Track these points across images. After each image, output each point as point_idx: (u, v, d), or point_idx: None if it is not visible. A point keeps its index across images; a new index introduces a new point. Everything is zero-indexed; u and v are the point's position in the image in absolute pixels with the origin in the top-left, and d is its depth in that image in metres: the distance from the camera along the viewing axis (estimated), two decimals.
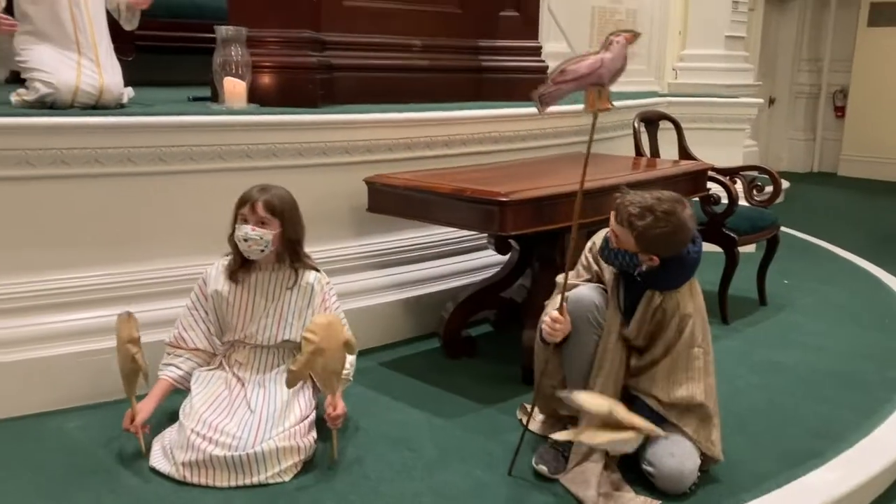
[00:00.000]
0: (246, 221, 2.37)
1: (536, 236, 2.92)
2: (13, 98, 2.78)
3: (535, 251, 3.16)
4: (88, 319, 2.69)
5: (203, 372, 2.46)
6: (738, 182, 3.96)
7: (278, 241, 2.40)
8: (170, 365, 2.47)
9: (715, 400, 2.27)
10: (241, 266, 2.45)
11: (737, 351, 3.35)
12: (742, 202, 3.90)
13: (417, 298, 3.38)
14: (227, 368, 2.48)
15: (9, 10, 2.84)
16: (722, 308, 3.68)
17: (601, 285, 2.34)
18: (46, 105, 2.71)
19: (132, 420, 2.28)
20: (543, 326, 2.28)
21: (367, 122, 3.19)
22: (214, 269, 2.50)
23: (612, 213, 2.17)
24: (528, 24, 4.07)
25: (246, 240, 2.36)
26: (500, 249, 3.23)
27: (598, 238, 2.34)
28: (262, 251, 2.38)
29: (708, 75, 8.29)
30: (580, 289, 2.32)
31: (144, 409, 2.33)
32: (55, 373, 2.61)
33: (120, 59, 3.04)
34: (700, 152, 4.33)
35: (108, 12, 3.02)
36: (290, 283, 2.45)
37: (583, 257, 2.42)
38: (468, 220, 2.81)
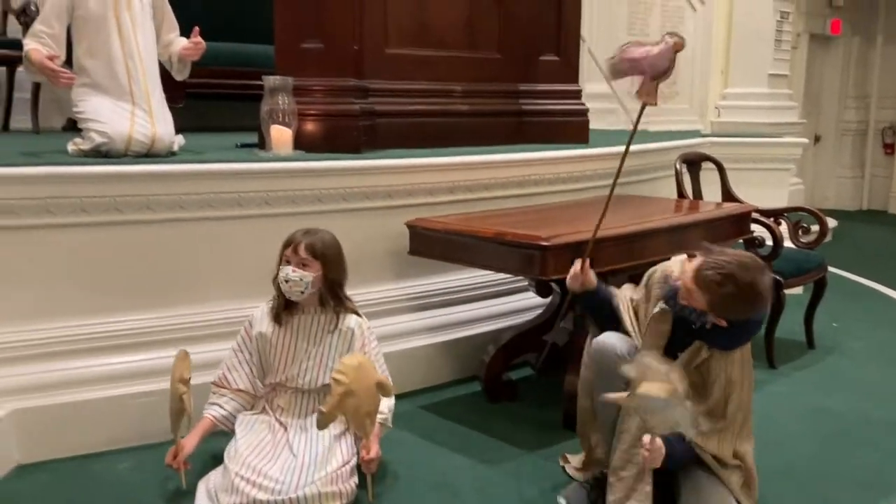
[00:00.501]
0: (288, 262, 2.42)
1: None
2: (70, 147, 2.90)
3: (576, 294, 3.14)
4: (139, 362, 2.76)
5: (247, 416, 2.50)
6: (783, 223, 3.91)
7: (319, 283, 2.44)
8: (214, 404, 2.51)
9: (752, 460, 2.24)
10: (284, 308, 2.49)
11: (783, 396, 3.28)
12: (788, 244, 3.85)
13: (458, 341, 3.39)
14: (270, 412, 2.51)
15: (68, 61, 2.98)
16: (768, 351, 3.61)
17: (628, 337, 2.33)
18: (101, 154, 2.82)
19: (175, 456, 2.34)
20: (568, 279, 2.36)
21: (408, 167, 3.24)
22: (260, 312, 2.55)
23: (693, 271, 2.09)
24: (568, 68, 4.12)
25: (287, 280, 2.40)
26: (541, 292, 3.23)
27: (662, 268, 2.32)
28: (303, 293, 2.42)
29: (751, 113, 8.29)
30: (606, 336, 2.33)
31: (187, 445, 2.37)
32: (106, 414, 2.67)
33: (171, 107, 3.15)
34: (744, 193, 4.29)
35: (160, 63, 3.15)
36: (332, 327, 2.49)
37: (644, 279, 2.40)
38: (509, 264, 2.83)
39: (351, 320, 2.51)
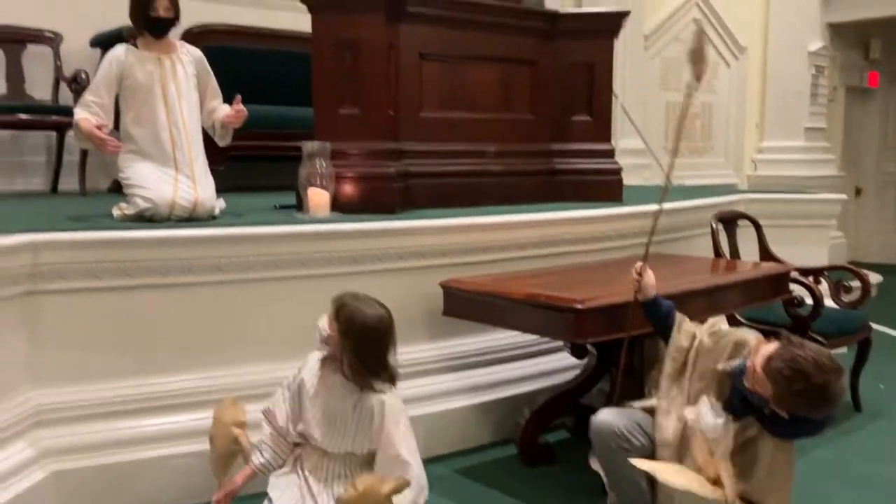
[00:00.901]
0: None
1: (612, 340, 2.90)
2: (115, 212, 3.00)
3: (612, 356, 3.12)
4: (180, 423, 2.80)
5: (280, 478, 2.49)
6: (824, 282, 3.85)
7: (338, 351, 2.37)
8: (255, 449, 2.53)
9: None
10: (326, 361, 2.46)
11: (831, 462, 3.19)
12: (829, 302, 3.78)
13: (494, 402, 3.37)
14: (299, 474, 2.50)
15: (115, 127, 3.10)
16: None
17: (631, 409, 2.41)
18: (145, 218, 2.91)
19: (225, 495, 2.40)
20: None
21: (441, 228, 3.28)
22: (313, 357, 2.51)
23: (764, 358, 2.05)
24: (600, 128, 4.16)
25: (319, 329, 2.41)
26: (577, 353, 3.21)
27: (735, 333, 2.33)
28: (323, 347, 2.43)
29: (788, 167, 8.26)
30: (603, 414, 2.41)
31: (232, 484, 2.44)
32: (146, 474, 2.70)
33: (212, 169, 3.25)
34: (782, 250, 4.24)
35: (204, 129, 3.25)
36: (354, 400, 2.38)
37: (708, 326, 2.42)
38: (543, 326, 2.83)
39: (372, 400, 2.36)
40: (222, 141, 3.33)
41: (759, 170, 8.58)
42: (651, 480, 2.30)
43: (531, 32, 4.00)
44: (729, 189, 6.88)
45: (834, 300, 3.89)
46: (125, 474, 2.67)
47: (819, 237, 5.15)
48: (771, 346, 2.07)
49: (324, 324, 2.38)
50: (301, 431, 2.51)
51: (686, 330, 2.43)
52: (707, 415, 2.17)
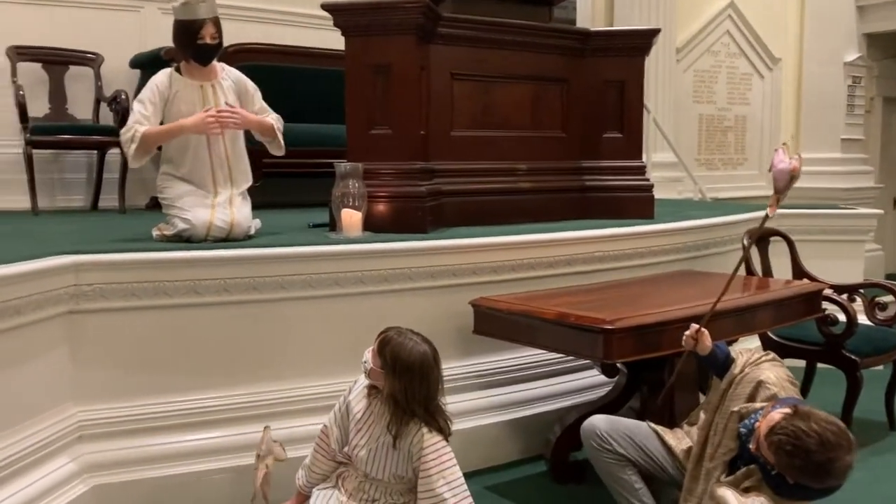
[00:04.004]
0: None
1: (642, 359, 2.91)
2: (154, 232, 3.08)
3: (642, 375, 3.13)
4: (215, 439, 2.86)
5: (322, 490, 2.55)
6: (858, 300, 3.81)
7: (381, 384, 2.39)
8: (303, 467, 2.60)
9: None
10: (374, 390, 2.47)
11: (863, 482, 3.14)
12: (864, 320, 3.74)
13: (524, 419, 3.40)
14: (341, 490, 2.54)
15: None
16: None
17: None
18: (183, 239, 2.98)
19: None
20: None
21: (472, 247, 3.31)
22: (361, 381, 2.53)
23: (768, 427, 2.05)
24: (632, 145, 4.16)
25: (364, 361, 2.45)
26: (607, 372, 3.23)
27: (761, 375, 2.38)
28: (364, 377, 2.47)
29: (825, 179, 8.15)
30: (591, 419, 2.70)
31: None
32: (186, 490, 2.77)
33: (249, 186, 3.31)
34: (817, 265, 4.21)
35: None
36: (395, 432, 2.37)
37: (747, 358, 2.48)
38: (573, 346, 2.84)
39: (412, 436, 2.35)
40: (278, 151, 3.32)
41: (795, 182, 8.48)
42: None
43: (562, 51, 4.02)
44: (763, 202, 6.81)
45: (868, 317, 3.84)
46: (164, 489, 2.74)
47: (855, 252, 5.08)
48: (777, 415, 2.06)
49: (368, 356, 2.41)
50: (346, 454, 2.56)
51: (736, 364, 2.50)
52: None
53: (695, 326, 2.48)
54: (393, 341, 2.35)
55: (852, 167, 8.24)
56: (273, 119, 3.26)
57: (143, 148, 2.99)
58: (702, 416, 2.56)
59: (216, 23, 3.08)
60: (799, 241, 4.35)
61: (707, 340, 2.48)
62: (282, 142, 3.29)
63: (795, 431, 1.97)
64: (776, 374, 2.39)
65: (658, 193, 6.57)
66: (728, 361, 2.51)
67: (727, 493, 2.17)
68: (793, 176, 2.31)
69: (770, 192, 2.44)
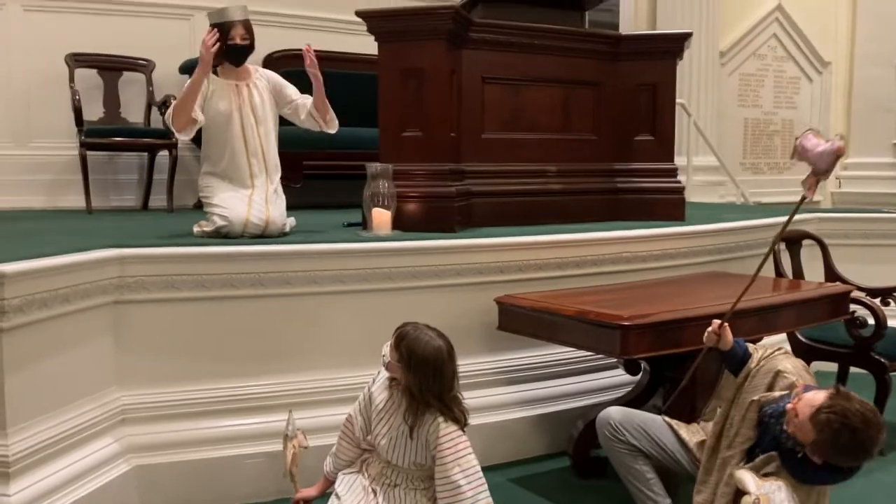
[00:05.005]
0: None
1: (665, 357, 2.95)
2: (195, 229, 3.24)
3: (665, 373, 3.17)
4: (250, 425, 3.01)
5: (347, 475, 2.66)
6: (892, 303, 3.78)
7: (401, 379, 2.48)
8: (331, 455, 2.72)
9: None
10: (394, 382, 2.56)
11: (894, 486, 3.13)
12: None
13: (549, 415, 3.46)
14: (364, 475, 2.65)
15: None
16: None
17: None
18: (221, 235, 3.14)
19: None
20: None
21: (498, 246, 3.40)
22: (384, 373, 2.61)
23: (813, 408, 2.12)
24: (663, 147, 4.19)
25: (383, 354, 2.56)
26: (630, 370, 3.27)
27: (779, 366, 2.42)
28: (383, 369, 2.58)
29: (875, 184, 8.01)
30: (607, 410, 2.79)
31: (307, 492, 2.66)
32: (221, 473, 2.92)
33: (290, 187, 3.47)
34: (855, 269, 4.18)
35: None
36: (412, 422, 2.46)
37: (762, 353, 2.51)
38: (591, 342, 2.90)
39: (428, 425, 2.43)
40: (331, 126, 3.43)
41: (844, 186, 8.34)
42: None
43: (594, 55, 4.08)
44: (811, 207, 6.73)
45: None
46: (200, 471, 2.90)
47: (893, 256, 5.00)
48: (819, 396, 2.12)
49: (386, 350, 2.52)
50: (368, 440, 2.66)
51: (752, 358, 2.54)
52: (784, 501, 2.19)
53: (717, 322, 2.52)
54: (409, 336, 2.43)
55: None
56: (309, 99, 3.37)
57: (179, 112, 3.11)
58: (717, 410, 2.60)
59: (246, 25, 3.27)
60: (839, 244, 4.32)
61: (729, 336, 2.52)
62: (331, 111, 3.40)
63: (843, 410, 2.05)
64: (792, 363, 2.44)
65: (699, 197, 6.60)
66: (746, 356, 2.55)
67: (746, 475, 2.23)
68: (838, 156, 2.29)
69: (819, 196, 2.44)
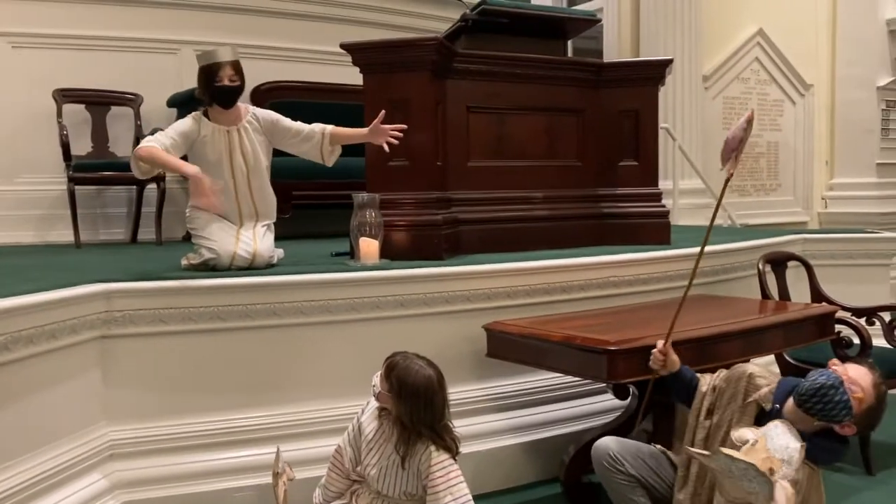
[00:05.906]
0: None
1: (657, 382, 2.96)
2: (183, 262, 3.25)
3: (653, 397, 3.17)
4: (237, 458, 2.99)
5: None
6: (877, 322, 3.80)
7: (391, 409, 2.49)
8: (320, 486, 2.70)
9: None
10: (384, 412, 2.58)
11: None
12: (882, 343, 3.74)
13: (539, 442, 3.45)
14: None
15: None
16: (865, 456, 3.47)
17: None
18: (209, 267, 3.14)
19: None
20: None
21: (486, 273, 3.42)
22: (373, 403, 2.62)
23: (873, 386, 2.29)
24: (647, 172, 4.24)
25: (373, 384, 2.56)
26: (619, 394, 3.28)
27: (753, 372, 2.50)
28: (373, 399, 2.58)
29: (860, 203, 8.10)
30: (602, 440, 2.71)
31: None
32: None
33: (279, 217, 3.48)
34: (842, 289, 4.22)
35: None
36: (404, 452, 2.47)
37: (727, 374, 2.57)
38: (578, 367, 2.91)
39: (420, 454, 2.45)
40: (332, 161, 3.41)
41: (830, 207, 8.43)
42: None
43: (577, 83, 4.14)
44: (798, 228, 6.79)
45: (887, 340, 3.82)
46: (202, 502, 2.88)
47: (880, 276, 5.06)
48: (863, 370, 2.31)
49: (376, 380, 2.53)
50: (358, 472, 2.65)
51: (702, 383, 2.62)
52: (780, 436, 2.26)
53: (661, 342, 2.59)
54: (399, 366, 2.45)
55: (888, 192, 8.16)
56: (319, 127, 3.37)
57: (148, 163, 3.07)
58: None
59: (235, 66, 3.21)
60: (824, 265, 4.36)
61: (674, 357, 2.62)
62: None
63: (879, 375, 2.32)
64: (757, 366, 2.58)
65: (686, 220, 6.65)
66: (694, 381, 2.63)
67: (742, 429, 2.32)
68: (749, 121, 2.44)
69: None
